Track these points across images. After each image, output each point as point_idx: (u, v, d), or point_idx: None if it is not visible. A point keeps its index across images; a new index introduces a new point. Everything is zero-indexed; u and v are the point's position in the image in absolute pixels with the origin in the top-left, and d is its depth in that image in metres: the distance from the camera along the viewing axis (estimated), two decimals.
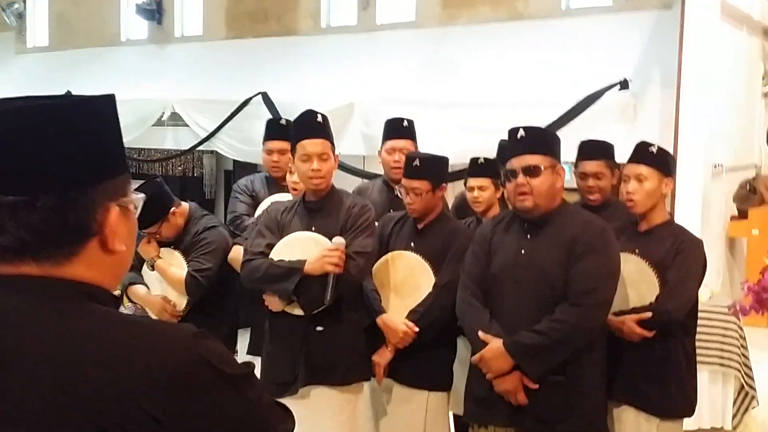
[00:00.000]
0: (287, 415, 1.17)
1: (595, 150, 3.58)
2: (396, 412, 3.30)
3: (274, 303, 3.08)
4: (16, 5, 9.93)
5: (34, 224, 0.99)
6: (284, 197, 3.66)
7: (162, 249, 3.49)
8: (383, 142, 3.93)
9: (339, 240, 3.00)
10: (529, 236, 2.84)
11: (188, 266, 3.40)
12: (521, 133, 2.83)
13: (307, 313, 3.01)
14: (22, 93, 1.09)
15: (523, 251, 2.82)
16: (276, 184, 3.89)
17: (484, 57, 6.16)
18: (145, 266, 3.52)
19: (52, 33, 9.83)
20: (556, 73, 5.63)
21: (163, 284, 3.46)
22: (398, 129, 3.91)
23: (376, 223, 3.47)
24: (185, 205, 3.53)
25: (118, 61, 8.65)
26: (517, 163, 2.81)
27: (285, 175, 3.86)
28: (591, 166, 3.52)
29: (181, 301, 3.43)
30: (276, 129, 3.93)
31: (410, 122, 3.96)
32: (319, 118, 3.13)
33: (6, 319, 1.00)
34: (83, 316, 1.01)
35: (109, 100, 1.09)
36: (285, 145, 3.81)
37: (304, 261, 2.98)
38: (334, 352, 3.04)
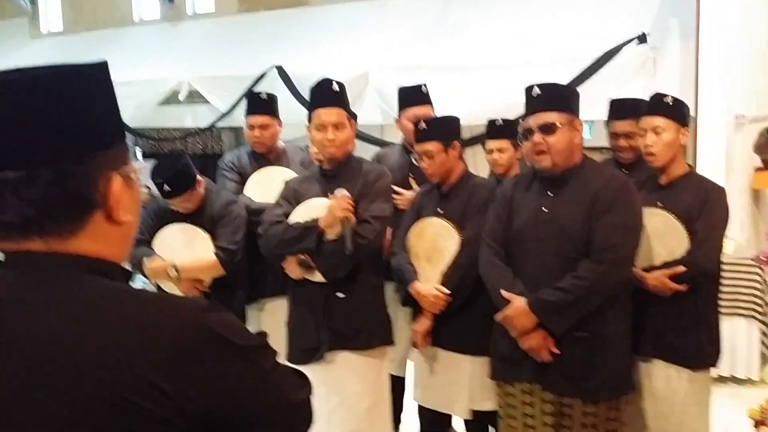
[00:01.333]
0: (304, 383, 1.16)
1: (624, 109, 3.50)
2: (441, 379, 3.32)
3: (294, 271, 3.10)
4: None
5: (35, 199, 0.98)
6: (274, 171, 3.67)
7: (181, 225, 3.47)
8: (402, 110, 3.90)
9: (341, 191, 3.01)
10: (549, 194, 2.82)
11: (219, 240, 3.40)
12: (536, 90, 2.80)
13: (329, 280, 3.03)
14: None
15: (544, 209, 2.81)
16: (262, 158, 3.87)
17: (496, 17, 6.08)
18: (158, 246, 3.50)
19: (65, 16, 9.85)
20: (572, 30, 5.55)
21: (188, 252, 3.42)
22: (417, 96, 3.88)
23: (410, 193, 3.47)
24: (200, 178, 3.55)
25: (132, 41, 8.66)
26: (533, 121, 2.78)
27: (269, 150, 3.85)
28: (622, 125, 3.46)
29: (208, 277, 3.45)
30: (257, 103, 3.91)
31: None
32: (335, 87, 3.12)
33: (9, 296, 1.00)
34: (89, 290, 1.00)
35: (100, 68, 1.06)
36: (266, 120, 3.82)
37: (317, 219, 3.00)
38: (355, 318, 3.07)
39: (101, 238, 1.03)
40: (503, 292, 2.80)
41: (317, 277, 3.06)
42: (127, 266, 2.68)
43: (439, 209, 3.28)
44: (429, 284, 3.20)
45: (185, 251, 3.43)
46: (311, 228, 3.01)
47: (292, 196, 3.19)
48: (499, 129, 3.68)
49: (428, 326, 3.23)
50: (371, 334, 3.12)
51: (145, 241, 3.50)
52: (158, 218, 3.50)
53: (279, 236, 3.06)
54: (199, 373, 0.96)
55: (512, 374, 2.89)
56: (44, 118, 0.98)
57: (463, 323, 3.22)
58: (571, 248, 2.74)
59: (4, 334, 0.96)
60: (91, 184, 1.01)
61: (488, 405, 3.31)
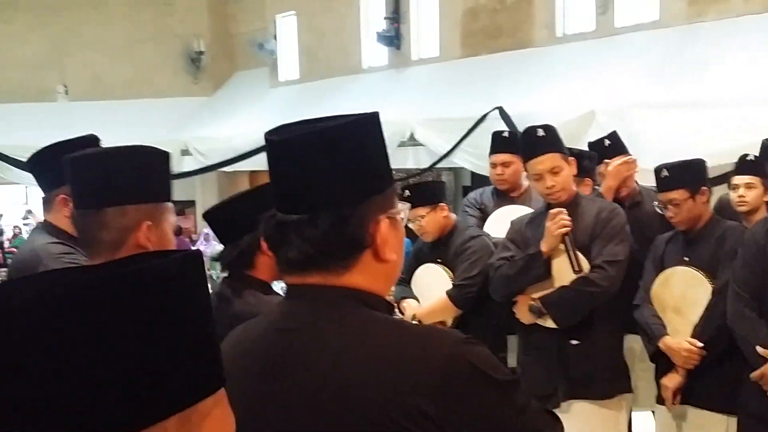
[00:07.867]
0: (556, 423, 1.17)
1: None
2: None
3: (524, 316, 3.06)
4: (269, 43, 10.88)
5: (315, 239, 1.09)
6: (513, 209, 3.64)
7: (427, 264, 3.52)
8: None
9: (556, 210, 2.93)
10: None
11: (455, 277, 3.40)
12: None
13: (561, 327, 2.96)
14: (276, 124, 1.18)
15: None
16: (504, 196, 3.89)
17: (736, 53, 5.70)
18: (414, 284, 3.60)
19: (302, 66, 10.64)
20: None
21: (434, 290, 3.47)
22: (498, 143, 3.88)
23: None
24: (453, 215, 3.60)
25: (361, 87, 9.17)
26: None
27: (512, 187, 3.87)
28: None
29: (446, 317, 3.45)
30: (499, 142, 3.95)
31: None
32: (540, 133, 3.05)
33: (292, 325, 1.12)
34: (362, 321, 1.10)
35: (373, 119, 1.15)
36: (508, 157, 3.82)
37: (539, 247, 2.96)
38: (591, 366, 2.95)
39: (369, 275, 1.13)
40: (759, 349, 2.58)
41: (549, 322, 2.99)
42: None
43: (685, 257, 3.07)
44: (680, 338, 2.99)
45: (432, 289, 3.48)
46: (534, 255, 2.96)
47: (520, 240, 3.13)
48: (749, 165, 3.45)
49: (680, 383, 2.99)
50: (609, 382, 2.99)
51: (404, 280, 3.62)
52: (416, 258, 3.63)
53: (505, 274, 3.03)
54: (461, 401, 1.02)
55: None
56: (328, 168, 1.09)
57: (717, 378, 2.95)
58: None
59: (298, 358, 1.09)
60: (363, 227, 1.11)
61: None
